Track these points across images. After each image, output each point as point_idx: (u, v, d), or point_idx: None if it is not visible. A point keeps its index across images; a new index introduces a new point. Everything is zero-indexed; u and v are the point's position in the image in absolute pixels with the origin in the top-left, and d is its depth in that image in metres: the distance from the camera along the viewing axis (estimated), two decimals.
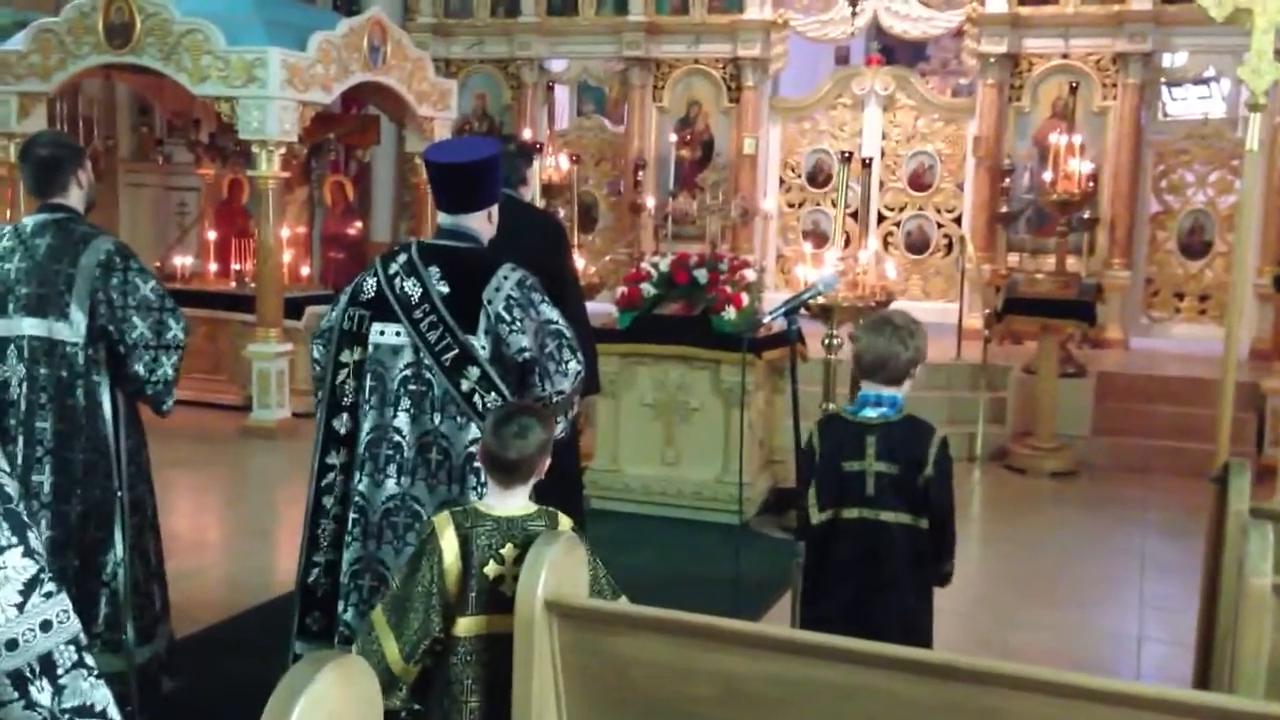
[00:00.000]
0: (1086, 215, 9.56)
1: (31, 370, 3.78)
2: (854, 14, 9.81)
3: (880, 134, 10.93)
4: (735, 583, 3.64)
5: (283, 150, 8.46)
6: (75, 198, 3.89)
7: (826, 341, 6.72)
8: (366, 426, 3.40)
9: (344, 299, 3.52)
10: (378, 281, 3.43)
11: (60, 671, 1.81)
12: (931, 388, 8.90)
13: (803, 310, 3.81)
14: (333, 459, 3.52)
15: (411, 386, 3.36)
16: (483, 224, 3.49)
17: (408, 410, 3.36)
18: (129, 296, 3.79)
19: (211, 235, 10.40)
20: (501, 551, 2.92)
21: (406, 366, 3.36)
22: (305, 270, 10.24)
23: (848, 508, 3.20)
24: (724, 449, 6.79)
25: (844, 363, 7.16)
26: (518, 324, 3.33)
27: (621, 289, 7.05)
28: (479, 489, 3.28)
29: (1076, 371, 8.71)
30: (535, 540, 2.84)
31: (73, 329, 3.73)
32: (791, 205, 11.29)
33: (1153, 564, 6.26)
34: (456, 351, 3.34)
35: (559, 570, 2.84)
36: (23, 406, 3.78)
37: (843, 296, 6.55)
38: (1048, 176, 9.15)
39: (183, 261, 10.19)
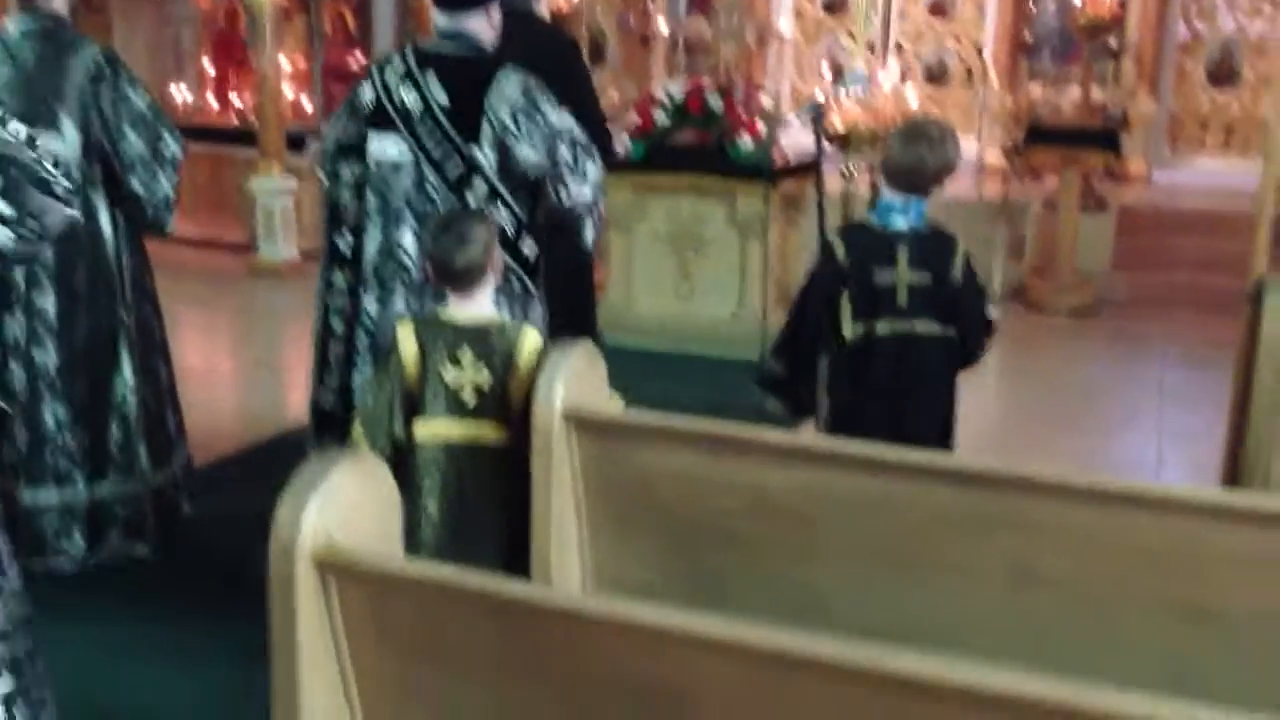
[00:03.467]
0: (1113, 43, 9.22)
1: None
2: None
3: None
4: (759, 412, 3.56)
5: None
6: (60, 2, 3.69)
7: (844, 170, 6.52)
8: (371, 247, 3.28)
9: (342, 111, 3.36)
10: (375, 92, 3.26)
11: None
12: (953, 221, 8.72)
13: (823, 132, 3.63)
14: (338, 280, 3.41)
15: (416, 205, 3.22)
16: (483, 26, 3.29)
17: (414, 229, 3.23)
18: (121, 108, 3.63)
19: (210, 69, 10.09)
20: (460, 356, 2.82)
21: (410, 183, 3.22)
22: (307, 104, 9.96)
23: (881, 321, 3.10)
24: (739, 283, 6.66)
25: (862, 196, 7.02)
26: (525, 133, 3.18)
27: (634, 117, 6.82)
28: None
29: (1098, 206, 8.51)
30: (552, 349, 2.76)
31: (66, 144, 3.57)
32: (808, 39, 10.92)
33: (1172, 396, 6.19)
34: (461, 166, 3.19)
35: (579, 380, 2.74)
36: None
37: (861, 123, 6.33)
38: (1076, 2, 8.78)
39: (183, 98, 9.92)
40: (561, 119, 3.23)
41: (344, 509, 1.98)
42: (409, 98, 3.20)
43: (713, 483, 2.64)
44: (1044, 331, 7.63)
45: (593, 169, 3.24)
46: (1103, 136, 7.79)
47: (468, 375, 2.85)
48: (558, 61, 4.64)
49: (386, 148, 3.23)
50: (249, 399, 5.92)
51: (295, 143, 8.83)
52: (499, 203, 3.19)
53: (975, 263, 3.31)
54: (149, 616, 3.56)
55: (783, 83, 10.77)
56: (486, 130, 3.17)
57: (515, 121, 3.17)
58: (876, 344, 3.12)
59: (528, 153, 3.17)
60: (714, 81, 6.97)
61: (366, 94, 3.27)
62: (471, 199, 3.19)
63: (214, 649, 3.34)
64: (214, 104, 10.09)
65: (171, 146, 3.74)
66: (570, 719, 1.88)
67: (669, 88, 6.89)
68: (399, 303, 3.25)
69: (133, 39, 11.87)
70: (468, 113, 3.18)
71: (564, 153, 3.20)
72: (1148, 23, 9.68)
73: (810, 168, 6.44)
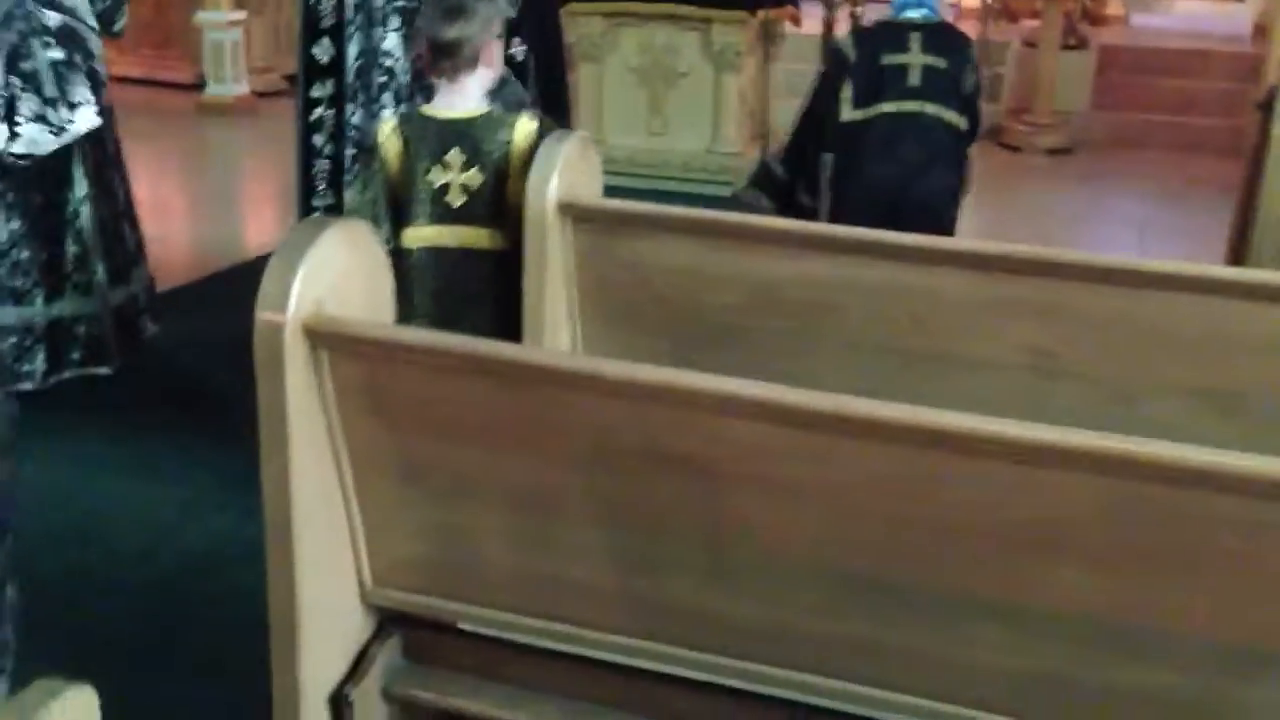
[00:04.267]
0: None
1: None
2: None
3: None
4: None
5: None
6: None
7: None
8: (353, 52, 3.05)
9: None
10: None
11: None
12: None
13: None
14: (318, 91, 3.19)
15: (400, 1, 2.99)
16: None
17: (398, 30, 3.00)
18: None
19: None
20: (445, 157, 2.64)
21: None
22: None
23: (887, 102, 2.94)
24: (713, 117, 6.45)
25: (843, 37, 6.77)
26: None
27: None
28: None
29: (1078, 44, 8.30)
30: (545, 138, 2.58)
31: None
32: None
33: (1153, 230, 6.11)
34: None
35: (573, 170, 2.58)
36: None
37: None
38: None
39: None
40: None
41: (334, 276, 1.82)
42: None
43: (712, 275, 2.50)
44: (1021, 170, 7.50)
45: None
46: None
47: (455, 176, 2.67)
48: None
49: None
50: (205, 232, 5.68)
51: None
52: None
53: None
54: (115, 433, 3.43)
55: None
56: None
57: None
58: (877, 122, 2.96)
59: None
60: None
61: None
62: None
63: (184, 462, 3.22)
64: None
65: None
66: (567, 484, 1.77)
67: None
68: (387, 113, 3.04)
69: None
70: None
71: None
72: None
73: None
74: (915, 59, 2.90)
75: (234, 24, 8.09)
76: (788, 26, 6.64)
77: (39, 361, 3.58)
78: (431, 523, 1.88)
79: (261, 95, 8.23)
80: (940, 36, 2.97)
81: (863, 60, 2.95)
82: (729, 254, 2.48)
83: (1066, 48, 8.04)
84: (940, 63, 2.92)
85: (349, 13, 3.05)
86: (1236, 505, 1.46)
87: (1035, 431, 1.51)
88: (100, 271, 3.66)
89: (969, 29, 8.61)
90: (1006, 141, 7.88)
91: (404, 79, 3.04)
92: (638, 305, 2.60)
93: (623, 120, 6.63)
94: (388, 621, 1.97)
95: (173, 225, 5.79)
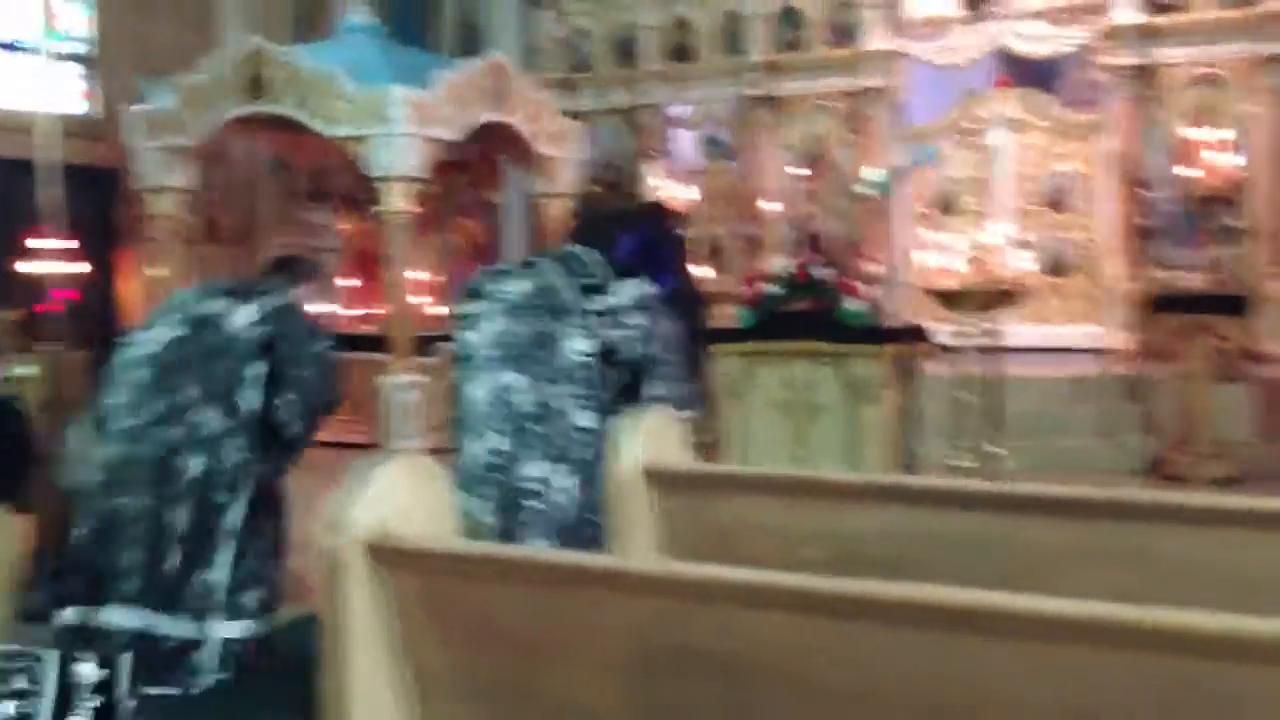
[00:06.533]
0: (1235, 223, 9.09)
1: None
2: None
3: (1011, 157, 10.65)
4: None
5: (413, 187, 8.67)
6: None
7: (959, 330, 6.46)
8: None
9: None
10: None
11: None
12: (1079, 400, 8.51)
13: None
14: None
15: None
16: None
17: None
18: None
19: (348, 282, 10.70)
20: None
21: None
22: (438, 310, 10.42)
23: None
24: (854, 446, 6.54)
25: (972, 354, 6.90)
26: None
27: (744, 289, 6.94)
28: None
29: (1233, 376, 8.19)
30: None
31: None
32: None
33: None
34: None
35: (656, 438, 2.70)
36: None
37: (971, 282, 6.32)
38: (1189, 173, 8.75)
39: (323, 309, 10.50)
40: None
41: (396, 506, 1.95)
42: None
43: (794, 532, 2.53)
44: None
45: None
46: (1230, 301, 7.58)
47: None
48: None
49: None
50: None
51: (425, 344, 9.19)
52: None
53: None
54: None
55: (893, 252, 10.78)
56: None
57: None
58: None
59: None
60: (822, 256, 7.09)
61: None
62: None
63: None
64: (350, 314, 10.62)
65: None
66: (633, 696, 1.77)
67: (779, 262, 7.02)
68: None
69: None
70: None
71: None
72: (1272, 200, 9.52)
73: (918, 332, 6.43)
74: None
75: (412, 384, 8.78)
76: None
77: None
78: None
79: (437, 451, 8.77)
80: None
81: None
82: (809, 510, 2.52)
83: (1220, 380, 7.94)
84: None
85: None
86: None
87: (1066, 607, 1.47)
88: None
89: (1118, 367, 8.72)
90: (1170, 473, 7.66)
91: None
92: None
93: (767, 451, 6.78)
94: None
95: None
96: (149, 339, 4.06)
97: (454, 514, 2.03)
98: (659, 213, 5.37)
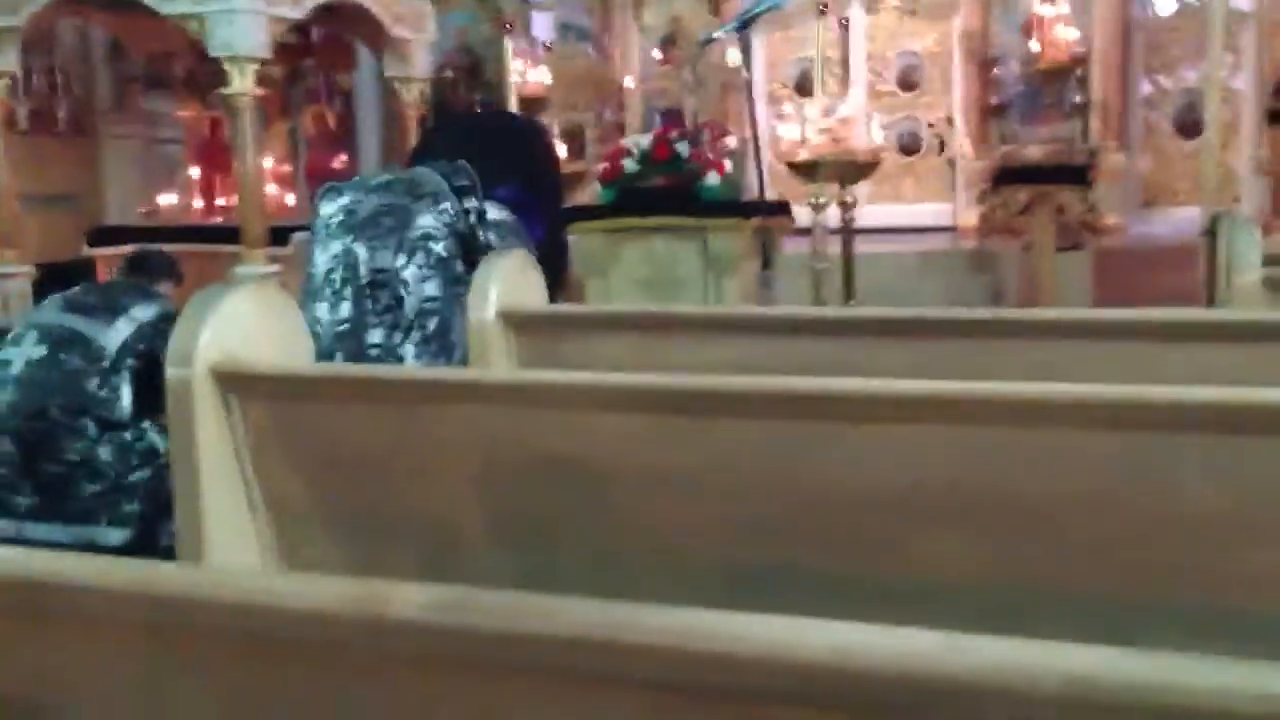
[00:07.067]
0: (1078, 99, 9.39)
1: None
2: None
3: (865, 36, 10.75)
4: None
5: (255, 67, 8.32)
6: None
7: (812, 201, 6.56)
8: None
9: None
10: None
11: None
12: (929, 273, 8.77)
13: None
14: None
15: None
16: None
17: None
18: None
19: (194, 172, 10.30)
20: None
21: None
22: (291, 200, 10.13)
23: None
24: None
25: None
26: None
27: (603, 165, 6.91)
28: None
29: (1073, 245, 8.53)
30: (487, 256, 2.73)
31: None
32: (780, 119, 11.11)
33: None
34: None
35: (513, 282, 2.70)
36: None
37: (827, 152, 6.40)
38: (1034, 47, 8.99)
39: (168, 201, 10.10)
40: None
41: (244, 333, 1.91)
42: None
43: (651, 364, 2.57)
44: None
45: None
46: (1072, 171, 7.86)
47: None
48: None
49: None
50: None
51: (279, 236, 8.92)
52: None
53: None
54: None
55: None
56: None
57: None
58: None
59: None
60: (680, 129, 7.08)
61: None
62: None
63: None
64: (198, 205, 10.25)
65: None
66: (492, 508, 1.79)
67: (637, 139, 6.99)
68: None
69: (121, 161, 12.15)
70: None
71: None
72: (1110, 76, 9.85)
73: (780, 207, 6.50)
74: None
75: (267, 276, 8.55)
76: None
77: None
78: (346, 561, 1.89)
79: None
80: None
81: None
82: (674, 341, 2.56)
83: (1062, 250, 8.26)
84: None
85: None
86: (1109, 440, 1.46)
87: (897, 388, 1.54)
88: None
89: (968, 244, 9.01)
90: None
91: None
92: None
93: None
94: None
95: None
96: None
97: (304, 340, 2.00)
98: (536, 134, 5.04)
